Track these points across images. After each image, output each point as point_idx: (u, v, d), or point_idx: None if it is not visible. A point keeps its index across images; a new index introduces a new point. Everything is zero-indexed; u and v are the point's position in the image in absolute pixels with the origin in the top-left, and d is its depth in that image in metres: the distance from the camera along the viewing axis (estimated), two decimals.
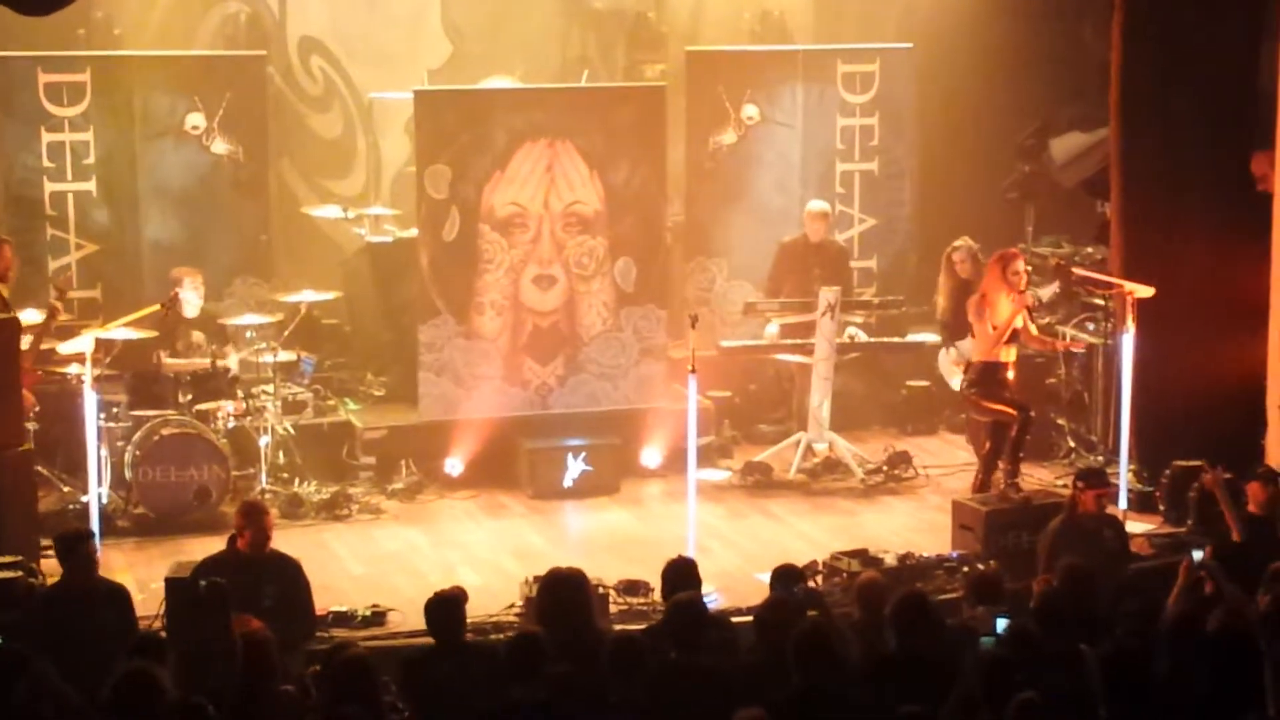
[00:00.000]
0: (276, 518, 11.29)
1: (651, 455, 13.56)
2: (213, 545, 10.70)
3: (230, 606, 8.43)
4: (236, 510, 10.24)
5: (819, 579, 11.00)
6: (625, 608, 10.69)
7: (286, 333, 13.37)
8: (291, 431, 13.08)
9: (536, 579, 9.65)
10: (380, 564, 11.82)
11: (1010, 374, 12.44)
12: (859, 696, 7.74)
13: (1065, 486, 11.55)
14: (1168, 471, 12.55)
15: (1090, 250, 14.74)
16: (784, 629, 8.06)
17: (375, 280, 14.50)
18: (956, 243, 13.62)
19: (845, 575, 10.90)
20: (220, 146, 14.19)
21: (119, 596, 9.52)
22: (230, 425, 12.75)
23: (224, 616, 8.31)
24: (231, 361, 12.92)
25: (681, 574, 9.05)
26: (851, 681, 7.88)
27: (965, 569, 10.86)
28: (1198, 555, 9.48)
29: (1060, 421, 14.14)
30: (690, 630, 8.24)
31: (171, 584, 9.78)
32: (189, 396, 12.65)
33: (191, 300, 13.05)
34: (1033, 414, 12.48)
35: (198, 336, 13.08)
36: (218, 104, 14.11)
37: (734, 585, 11.17)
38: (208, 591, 8.60)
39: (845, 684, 7.79)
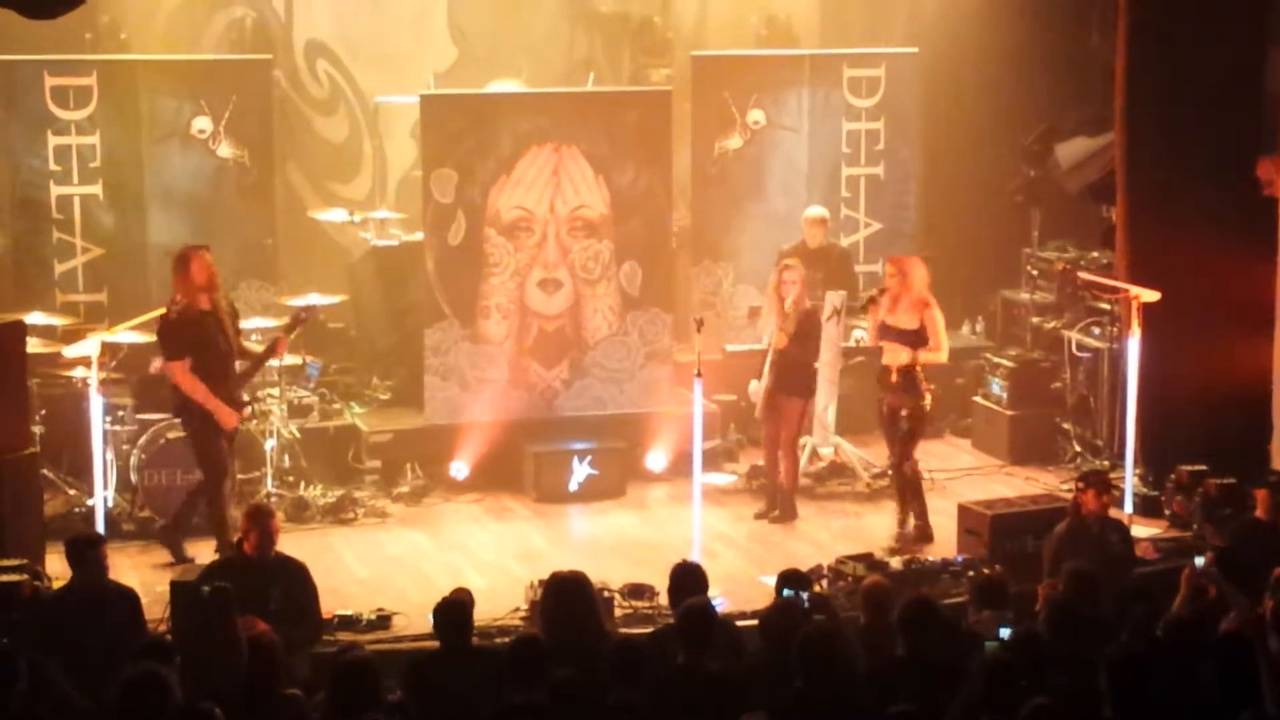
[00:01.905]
0: (282, 521, 11.29)
1: (657, 459, 13.57)
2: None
3: (235, 611, 8.44)
4: (242, 514, 10.25)
5: (824, 583, 10.99)
6: (630, 611, 10.69)
7: (292, 337, 13.37)
8: (297, 435, 13.07)
9: (541, 582, 9.65)
10: (385, 567, 11.83)
11: (894, 377, 12.32)
12: (863, 701, 7.74)
13: (1070, 491, 11.55)
14: (1173, 476, 12.55)
15: (1096, 254, 14.72)
16: (789, 633, 8.05)
17: (381, 284, 14.51)
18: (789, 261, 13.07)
19: (850, 579, 10.90)
20: (226, 150, 14.20)
21: (128, 599, 9.52)
22: None
23: (229, 621, 8.32)
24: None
25: (689, 578, 9.05)
26: (856, 686, 7.88)
27: (970, 573, 10.85)
28: (1199, 562, 9.48)
29: (1066, 426, 14.14)
30: (701, 635, 8.22)
31: (177, 587, 9.84)
32: None
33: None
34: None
35: None
36: (224, 107, 14.12)
37: (739, 589, 11.17)
38: (212, 596, 8.61)
39: (849, 688, 7.79)
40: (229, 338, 11.62)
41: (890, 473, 12.65)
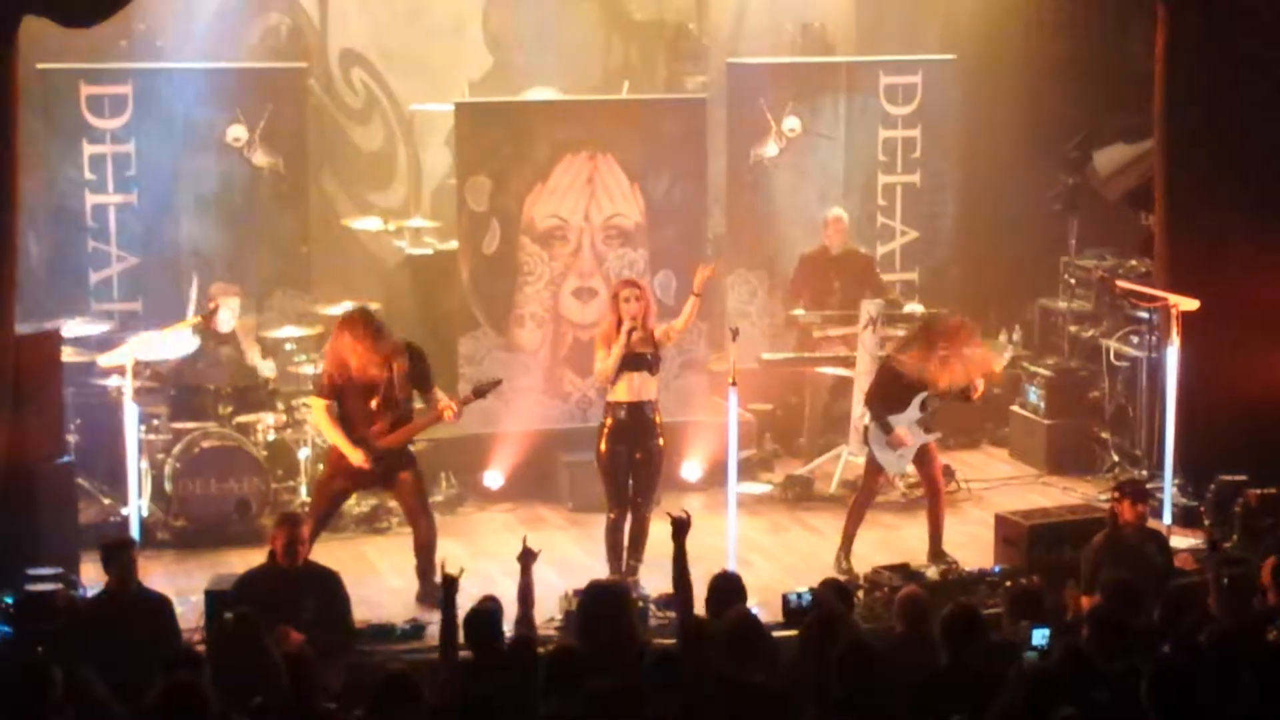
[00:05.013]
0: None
1: (692, 468, 13.51)
2: (252, 558, 10.71)
3: (261, 633, 8.35)
4: (273, 521, 10.25)
5: (860, 594, 10.94)
6: (663, 621, 10.64)
7: (326, 345, 13.35)
8: None
9: (576, 592, 9.60)
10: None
11: (623, 414, 11.39)
12: (905, 712, 7.69)
13: (1108, 501, 11.47)
14: (1213, 486, 12.46)
15: (1134, 263, 14.64)
16: (827, 644, 8.00)
17: (415, 293, 14.50)
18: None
19: (886, 590, 10.83)
20: (261, 159, 14.20)
21: (162, 606, 9.54)
22: (270, 438, 12.77)
23: (260, 644, 8.24)
24: (265, 368, 12.92)
25: (727, 589, 8.99)
26: (896, 697, 7.82)
27: (1008, 583, 10.78)
28: None
29: (1104, 435, 14.06)
30: (748, 648, 8.17)
31: (212, 597, 9.82)
32: (229, 409, 12.66)
33: (225, 319, 13.03)
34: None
35: (226, 351, 13.04)
36: (259, 116, 14.12)
37: (775, 600, 11.09)
38: (236, 623, 8.45)
39: (890, 699, 7.74)
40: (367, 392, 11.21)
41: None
